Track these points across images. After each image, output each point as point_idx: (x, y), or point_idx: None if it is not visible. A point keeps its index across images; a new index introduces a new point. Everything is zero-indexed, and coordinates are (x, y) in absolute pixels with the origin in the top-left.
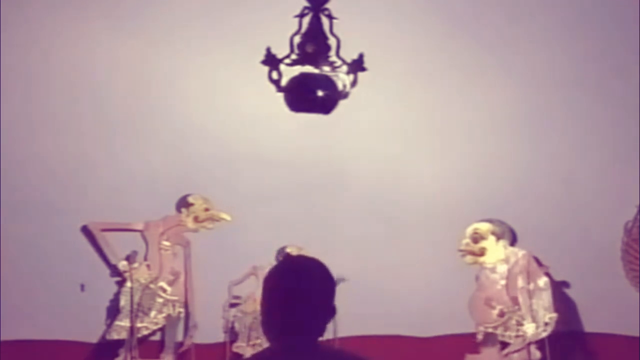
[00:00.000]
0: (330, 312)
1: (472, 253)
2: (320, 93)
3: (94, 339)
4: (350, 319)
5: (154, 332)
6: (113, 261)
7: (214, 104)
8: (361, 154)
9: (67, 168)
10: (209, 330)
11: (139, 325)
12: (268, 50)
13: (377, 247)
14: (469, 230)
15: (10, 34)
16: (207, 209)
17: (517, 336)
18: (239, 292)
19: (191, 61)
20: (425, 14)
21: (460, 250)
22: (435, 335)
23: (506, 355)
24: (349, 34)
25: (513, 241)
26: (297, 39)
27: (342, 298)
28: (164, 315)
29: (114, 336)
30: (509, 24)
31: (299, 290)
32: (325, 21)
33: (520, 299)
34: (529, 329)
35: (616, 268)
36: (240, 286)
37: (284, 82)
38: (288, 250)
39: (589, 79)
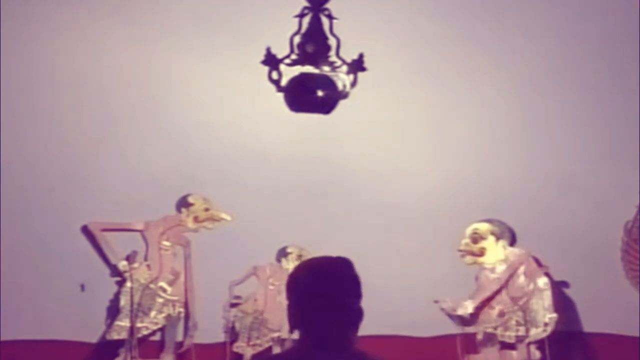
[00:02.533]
0: (358, 312)
1: (472, 253)
2: (320, 93)
3: (94, 339)
4: None
5: (154, 332)
6: (113, 261)
7: (214, 103)
8: (361, 154)
9: (67, 168)
10: (209, 330)
11: (139, 325)
12: (268, 50)
13: (377, 246)
14: (469, 230)
15: (13, 35)
16: (207, 209)
17: (516, 336)
18: (240, 292)
19: (192, 61)
20: (425, 14)
21: (460, 251)
22: (435, 335)
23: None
24: (349, 34)
25: (513, 241)
26: (297, 39)
27: None
28: (164, 315)
29: (114, 336)
30: (509, 25)
31: (326, 290)
32: (325, 21)
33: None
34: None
35: (616, 268)
36: (240, 286)
37: (284, 82)
38: (289, 250)
39: (589, 79)
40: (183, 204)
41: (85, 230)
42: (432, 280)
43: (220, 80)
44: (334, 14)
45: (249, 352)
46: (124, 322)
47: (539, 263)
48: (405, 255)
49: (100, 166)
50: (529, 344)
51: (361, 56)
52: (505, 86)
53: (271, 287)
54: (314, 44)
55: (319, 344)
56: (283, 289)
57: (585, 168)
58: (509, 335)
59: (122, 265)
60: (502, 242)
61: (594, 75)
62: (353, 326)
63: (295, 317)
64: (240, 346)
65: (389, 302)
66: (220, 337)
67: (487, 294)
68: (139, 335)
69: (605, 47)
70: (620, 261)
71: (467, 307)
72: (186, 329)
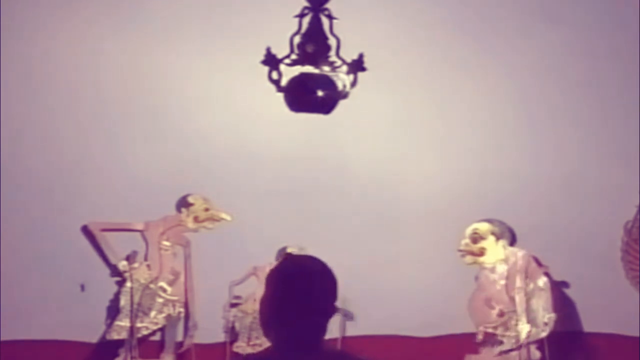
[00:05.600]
0: (331, 311)
1: (472, 253)
2: (320, 93)
3: (94, 339)
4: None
5: (154, 332)
6: (113, 261)
7: (214, 103)
8: (361, 154)
9: (67, 168)
10: (209, 330)
11: (139, 325)
12: (268, 50)
13: (377, 247)
14: (469, 230)
15: (11, 32)
16: (207, 209)
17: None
18: (240, 292)
19: (192, 61)
20: (425, 14)
21: (460, 251)
22: (435, 335)
23: (499, 354)
24: (349, 34)
25: (512, 241)
26: (297, 39)
27: (341, 298)
28: (164, 315)
29: (114, 336)
30: (510, 24)
31: (301, 291)
32: (325, 21)
33: (517, 299)
34: (523, 329)
35: (616, 268)
36: (240, 286)
37: (284, 82)
38: (289, 250)
39: (589, 79)
40: (183, 204)
41: (85, 230)
42: (432, 280)
43: (220, 80)
44: (334, 14)
45: (248, 352)
46: (124, 322)
47: (539, 263)
48: (405, 255)
49: (100, 166)
50: (528, 343)
51: (361, 56)
52: (507, 86)
53: None
54: (314, 44)
55: (295, 345)
56: None
57: (586, 168)
58: (509, 336)
59: (122, 265)
60: (502, 242)
61: (594, 75)
62: (326, 325)
63: (270, 319)
64: (240, 346)
65: (389, 302)
66: (220, 337)
67: (487, 294)
68: (139, 335)
69: (605, 47)
70: (620, 261)
71: (524, 330)
72: (186, 329)
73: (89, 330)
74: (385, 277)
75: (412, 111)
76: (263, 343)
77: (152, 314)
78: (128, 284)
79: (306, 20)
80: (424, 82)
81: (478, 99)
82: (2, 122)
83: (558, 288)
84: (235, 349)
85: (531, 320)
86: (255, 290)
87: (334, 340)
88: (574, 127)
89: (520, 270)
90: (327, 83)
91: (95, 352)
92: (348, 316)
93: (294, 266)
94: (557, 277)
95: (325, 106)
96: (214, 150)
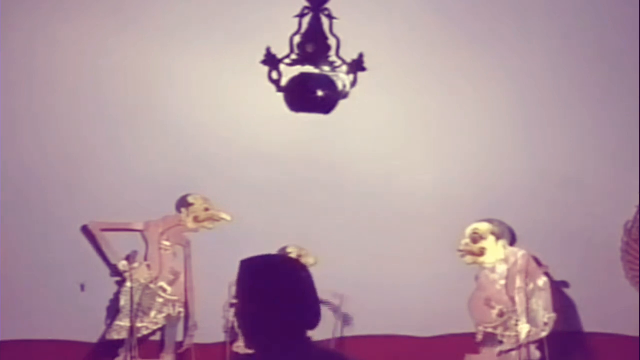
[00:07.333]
0: (316, 309)
1: (472, 253)
2: (320, 93)
3: (94, 339)
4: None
5: (154, 332)
6: (113, 261)
7: (214, 103)
8: (361, 153)
9: (67, 168)
10: (209, 330)
11: (139, 325)
12: (268, 50)
13: (377, 247)
14: (469, 230)
15: (13, 31)
16: (207, 209)
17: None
18: None
19: (192, 61)
20: (426, 14)
21: (460, 251)
22: (435, 335)
23: (499, 354)
24: (349, 34)
25: (512, 241)
26: (297, 39)
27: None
28: (164, 315)
29: (114, 336)
30: (510, 25)
31: (283, 289)
32: (325, 21)
33: (517, 299)
34: (523, 329)
35: (616, 268)
36: None
37: (284, 82)
38: (289, 250)
39: (589, 79)
40: (183, 204)
41: (85, 230)
42: (432, 280)
43: (220, 80)
44: (334, 14)
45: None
46: (124, 322)
47: (539, 263)
48: (405, 254)
49: (100, 166)
50: (528, 343)
51: (361, 56)
52: (506, 86)
53: None
54: (314, 44)
55: (282, 345)
56: None
57: (585, 168)
58: (509, 336)
59: (122, 265)
60: (502, 242)
61: (593, 75)
62: (313, 324)
63: (253, 319)
64: (240, 346)
65: (389, 302)
66: (220, 337)
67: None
68: (139, 335)
69: (605, 47)
70: (620, 261)
71: (524, 330)
72: (186, 329)
73: (89, 330)
74: (386, 277)
75: (411, 111)
76: None
77: (152, 314)
78: (128, 284)
79: (306, 20)
80: (424, 82)
81: (477, 99)
82: (3, 122)
83: (558, 288)
84: (235, 349)
85: (531, 320)
86: None
87: (330, 341)
88: (573, 127)
89: (520, 270)
90: (327, 83)
91: (95, 352)
92: (347, 321)
93: (269, 266)
94: (557, 277)
95: (325, 106)
96: (214, 150)
